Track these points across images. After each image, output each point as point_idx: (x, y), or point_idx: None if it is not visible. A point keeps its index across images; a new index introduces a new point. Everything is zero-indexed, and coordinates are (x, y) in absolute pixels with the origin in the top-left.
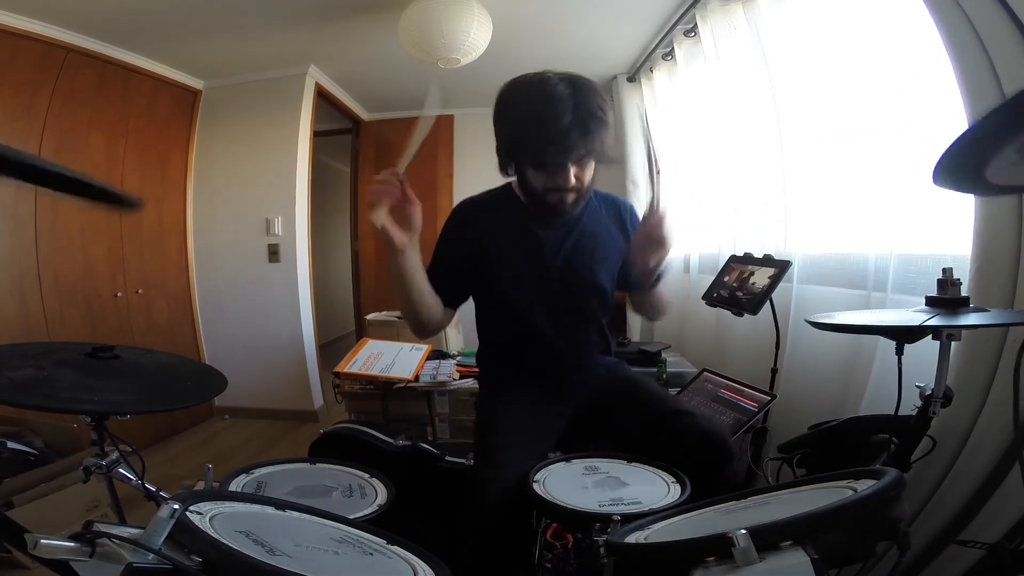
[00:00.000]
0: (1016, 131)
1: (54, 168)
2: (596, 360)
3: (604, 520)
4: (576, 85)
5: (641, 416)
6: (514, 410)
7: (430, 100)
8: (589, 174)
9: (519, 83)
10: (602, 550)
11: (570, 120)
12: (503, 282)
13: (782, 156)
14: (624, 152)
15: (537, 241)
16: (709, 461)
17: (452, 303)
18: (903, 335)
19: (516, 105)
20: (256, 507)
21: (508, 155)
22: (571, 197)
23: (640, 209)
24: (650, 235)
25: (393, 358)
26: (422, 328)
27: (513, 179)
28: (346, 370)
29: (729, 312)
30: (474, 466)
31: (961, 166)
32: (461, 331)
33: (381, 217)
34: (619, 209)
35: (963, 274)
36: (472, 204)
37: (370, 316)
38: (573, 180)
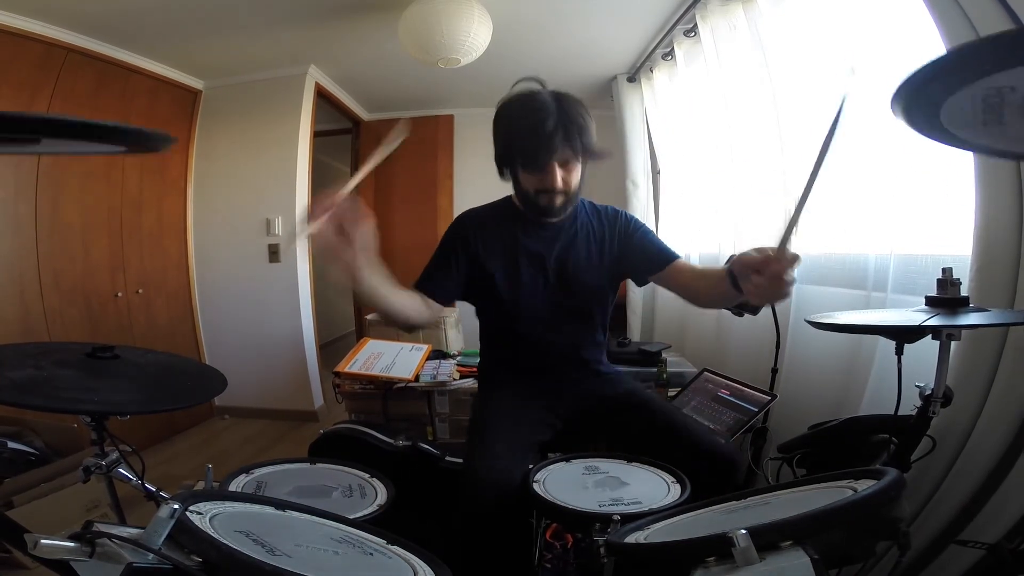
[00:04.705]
0: (984, 72)
1: (89, 121)
2: (597, 360)
3: (604, 520)
4: (559, 96)
5: (649, 426)
6: (507, 405)
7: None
8: (576, 177)
9: (512, 97)
10: (602, 550)
11: (553, 125)
12: (503, 289)
13: (782, 156)
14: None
15: (534, 248)
16: (716, 480)
17: (445, 301)
18: (903, 335)
19: (508, 116)
20: (256, 507)
21: (503, 162)
22: (559, 199)
23: (639, 215)
24: (773, 278)
25: (393, 358)
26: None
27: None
28: (346, 370)
29: (729, 312)
30: (464, 454)
31: (920, 97)
32: (461, 331)
33: (324, 241)
34: (614, 218)
35: (963, 274)
36: (473, 215)
37: (370, 316)
38: (560, 182)
